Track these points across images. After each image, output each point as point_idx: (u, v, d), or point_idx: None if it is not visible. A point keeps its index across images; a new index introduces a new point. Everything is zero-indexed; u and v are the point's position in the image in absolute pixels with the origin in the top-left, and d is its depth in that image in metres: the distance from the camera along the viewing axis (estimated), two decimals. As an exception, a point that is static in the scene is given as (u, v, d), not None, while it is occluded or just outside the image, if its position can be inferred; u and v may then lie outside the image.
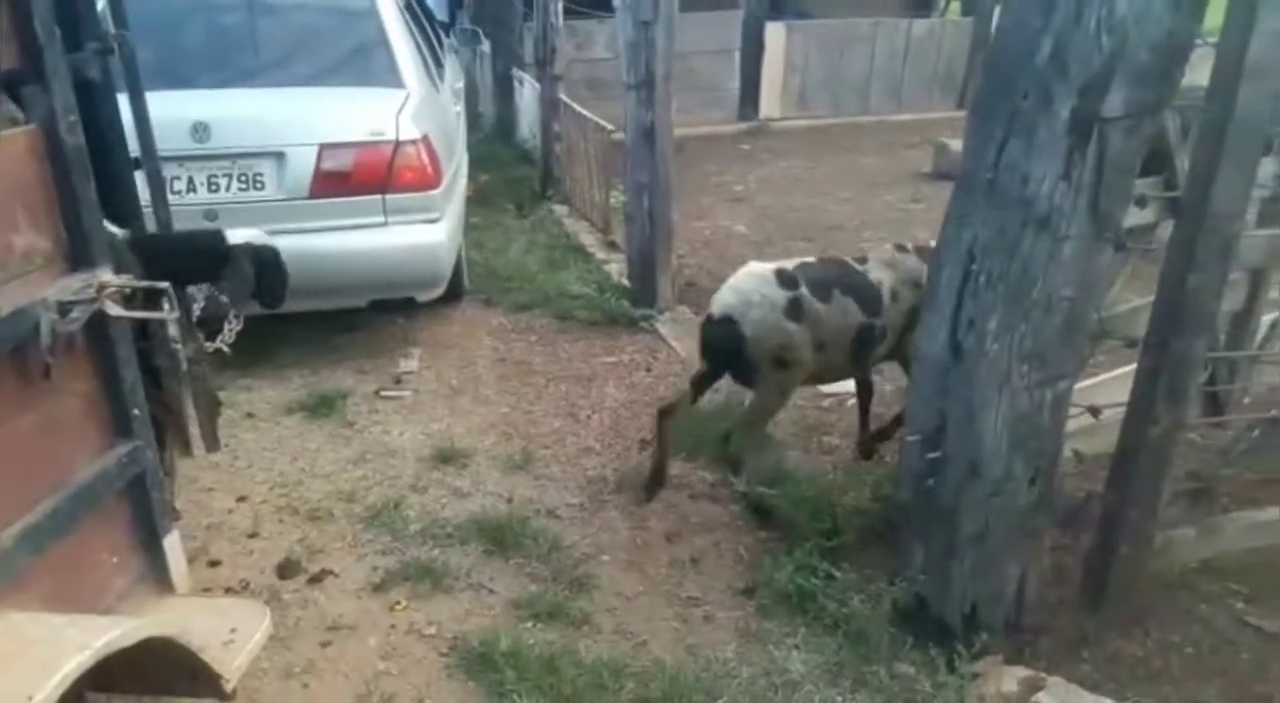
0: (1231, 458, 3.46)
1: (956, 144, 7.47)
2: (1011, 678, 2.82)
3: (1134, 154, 2.47)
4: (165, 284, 2.07)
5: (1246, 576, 3.35)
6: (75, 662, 1.52)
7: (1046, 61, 2.35)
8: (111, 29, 2.81)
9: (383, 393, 4.73)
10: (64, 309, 1.90)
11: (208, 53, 5.09)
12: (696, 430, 4.24)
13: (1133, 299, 3.55)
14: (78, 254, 1.99)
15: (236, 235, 2.91)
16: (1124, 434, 2.89)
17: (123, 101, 2.85)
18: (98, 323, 2.01)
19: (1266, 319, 3.99)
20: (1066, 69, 2.33)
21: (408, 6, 6.02)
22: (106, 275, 2.01)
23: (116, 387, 2.11)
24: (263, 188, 4.57)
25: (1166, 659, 3.03)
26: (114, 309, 2.01)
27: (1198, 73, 2.59)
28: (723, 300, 3.70)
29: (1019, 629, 3.00)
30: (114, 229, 2.52)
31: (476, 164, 7.93)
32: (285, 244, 3.07)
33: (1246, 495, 3.55)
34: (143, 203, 2.87)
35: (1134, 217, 3.30)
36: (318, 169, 4.57)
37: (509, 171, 8.73)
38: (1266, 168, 3.72)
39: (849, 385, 4.76)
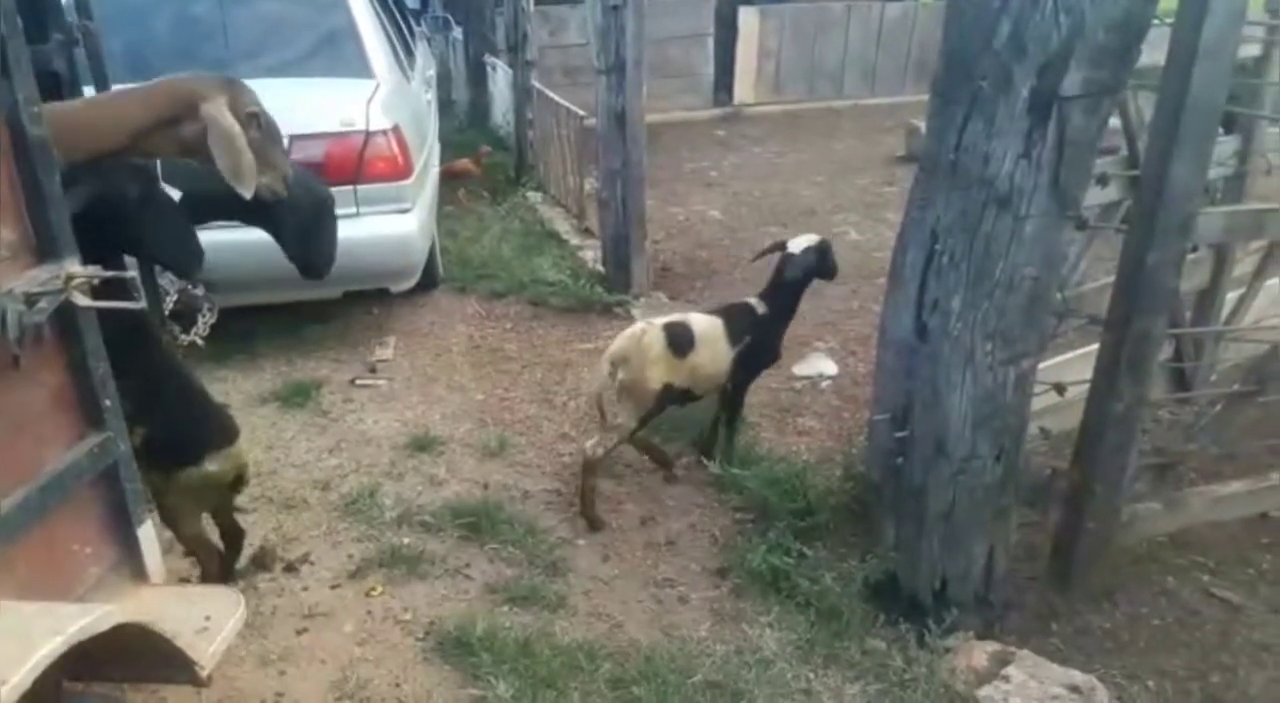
0: (1195, 433, 3.52)
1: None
2: (981, 652, 2.87)
3: (1094, 132, 2.51)
4: (132, 274, 2.08)
5: (1211, 548, 3.42)
6: (48, 648, 1.53)
7: (1005, 43, 2.37)
8: (76, 20, 2.79)
9: (357, 382, 4.73)
10: (31, 300, 1.90)
11: (176, 44, 5.05)
12: (671, 416, 4.27)
13: (1099, 277, 3.60)
14: (44, 246, 1.98)
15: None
16: (1088, 411, 2.94)
17: (89, 94, 2.84)
18: (66, 314, 2.01)
19: (1231, 296, 4.06)
20: (1025, 49, 2.36)
21: (377, -6, 5.99)
22: (74, 267, 2.01)
23: (86, 378, 2.11)
24: (234, 179, 4.54)
25: (1134, 631, 3.09)
26: (81, 300, 2.01)
27: (1158, 52, 2.63)
28: None
29: (989, 605, 3.05)
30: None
31: (450, 152, 7.89)
32: (256, 236, 3.06)
33: (1211, 470, 3.62)
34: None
35: (1097, 195, 3.36)
36: (289, 160, 4.54)
37: (474, 153, 8.68)
38: (1227, 146, 3.79)
39: (823, 367, 4.83)
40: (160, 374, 2.77)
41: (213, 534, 3.03)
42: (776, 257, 3.86)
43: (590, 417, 4.41)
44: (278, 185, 2.70)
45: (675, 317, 3.70)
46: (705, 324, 3.68)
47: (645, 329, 3.55)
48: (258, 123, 2.61)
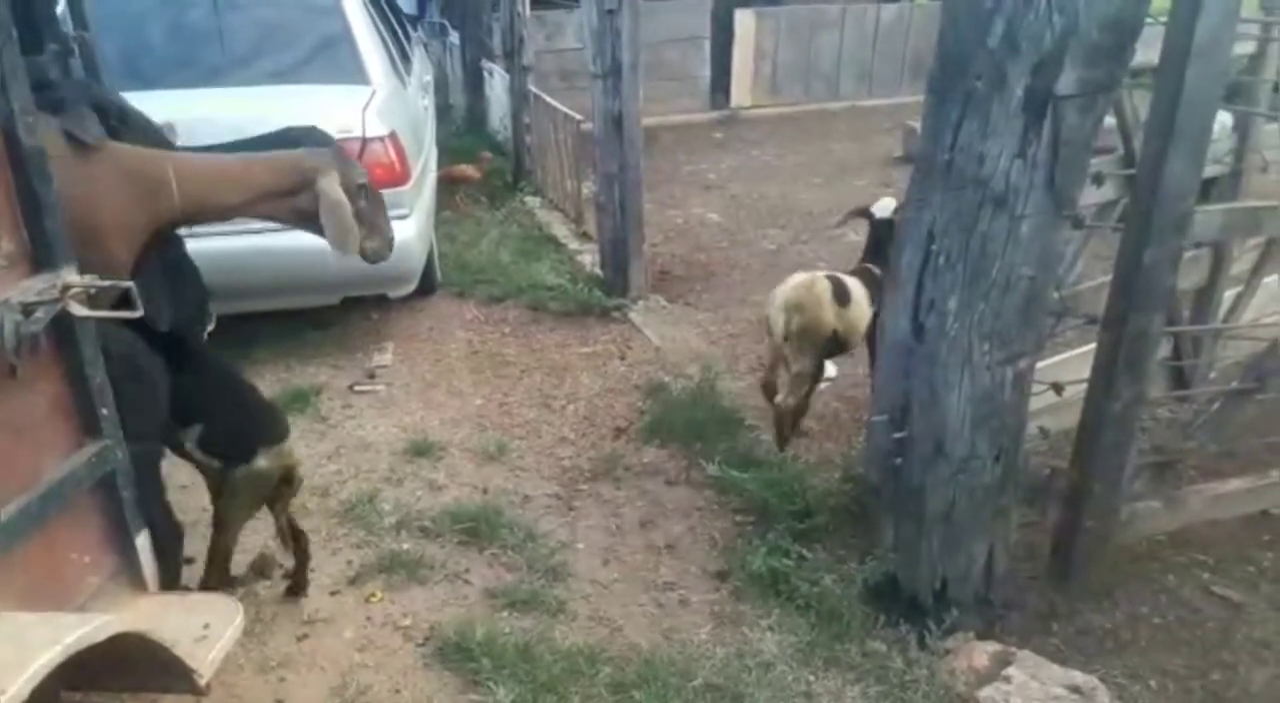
0: (1194, 431, 3.51)
1: (925, 128, 7.52)
2: (982, 653, 2.87)
3: (1089, 131, 2.51)
4: (129, 284, 2.08)
5: (1211, 546, 3.42)
6: (46, 658, 1.53)
7: (999, 42, 2.38)
8: (72, 30, 2.80)
9: (356, 388, 4.73)
10: (28, 310, 1.90)
11: (173, 52, 5.05)
12: (668, 418, 4.27)
13: (1096, 276, 3.60)
14: (40, 255, 1.98)
15: None
16: (1086, 410, 2.94)
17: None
18: (63, 323, 2.01)
19: (1229, 294, 4.06)
20: (1019, 49, 2.36)
21: (373, 1, 5.99)
22: (70, 276, 2.01)
23: (84, 386, 2.11)
24: (231, 186, 4.55)
25: (1134, 630, 3.09)
26: (78, 309, 2.01)
27: (1152, 51, 2.63)
28: None
29: (989, 605, 3.05)
30: None
31: (448, 157, 7.90)
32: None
33: (1210, 468, 3.61)
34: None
35: (1093, 194, 3.36)
36: (285, 167, 4.55)
37: (472, 161, 8.69)
38: (1223, 144, 3.79)
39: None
40: (212, 371, 2.88)
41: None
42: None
43: (590, 421, 4.42)
44: (384, 249, 3.02)
45: (825, 272, 3.95)
46: (852, 282, 3.92)
47: (814, 278, 3.83)
48: (365, 193, 2.89)
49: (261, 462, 2.81)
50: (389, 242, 2.96)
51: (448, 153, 8.04)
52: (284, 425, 2.93)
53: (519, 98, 8.48)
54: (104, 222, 2.45)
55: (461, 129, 10.61)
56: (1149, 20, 2.47)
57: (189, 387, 2.70)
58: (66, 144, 2.39)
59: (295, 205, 2.81)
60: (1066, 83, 2.38)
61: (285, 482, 2.93)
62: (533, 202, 8.03)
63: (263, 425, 2.87)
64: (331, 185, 2.77)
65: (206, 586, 2.96)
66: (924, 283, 2.71)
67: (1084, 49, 2.35)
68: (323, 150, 2.94)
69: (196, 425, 2.76)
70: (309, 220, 2.82)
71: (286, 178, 2.81)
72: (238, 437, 2.81)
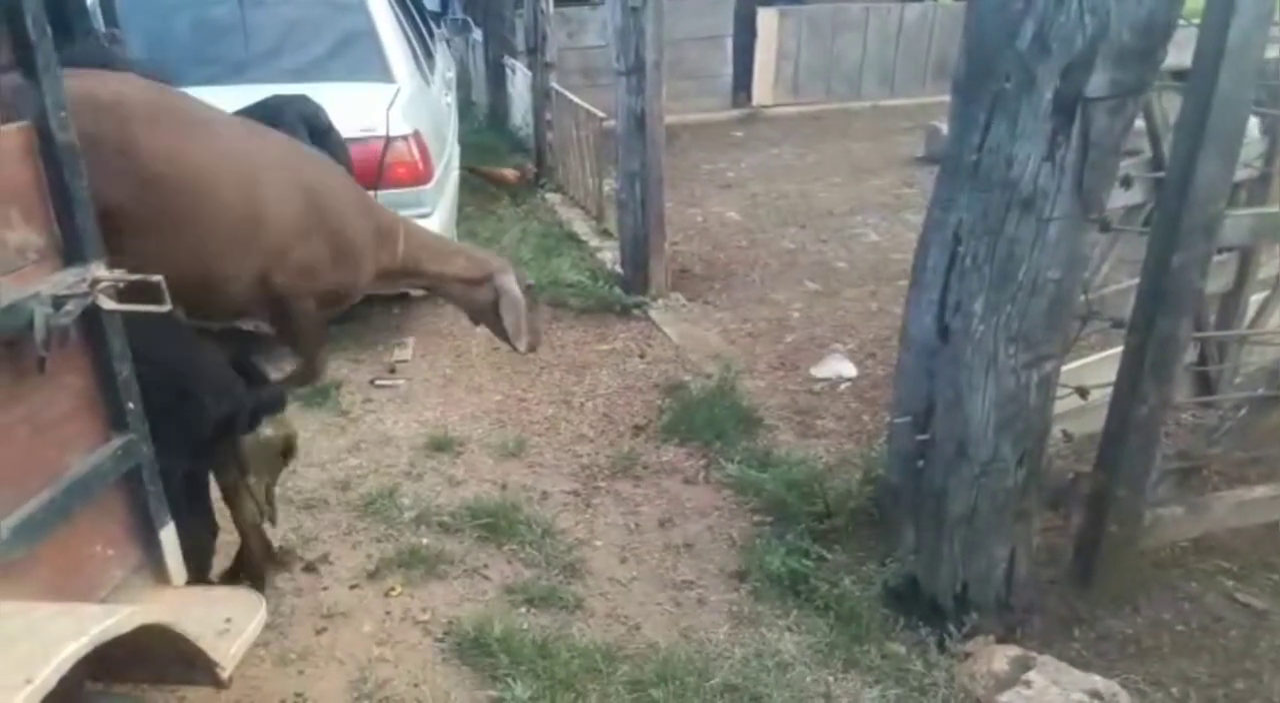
0: (1219, 437, 3.48)
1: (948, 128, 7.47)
2: (1002, 657, 2.85)
3: (1118, 134, 2.49)
4: (158, 278, 2.08)
5: (1235, 553, 3.38)
6: (72, 648, 1.54)
7: (1029, 43, 2.36)
8: (102, 27, 2.82)
9: (377, 382, 4.75)
10: (58, 303, 1.91)
11: (198, 49, 5.08)
12: (687, 416, 4.27)
13: (1122, 280, 3.58)
14: (71, 249, 2.00)
15: None
16: (1111, 414, 2.92)
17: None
18: (91, 317, 2.03)
19: (1255, 299, 4.02)
20: (1049, 50, 2.34)
21: (398, -2, 6.01)
22: (100, 270, 2.03)
23: (111, 380, 2.12)
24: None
25: (1157, 637, 3.06)
26: (107, 303, 2.02)
27: (1184, 53, 2.61)
28: None
29: (1010, 609, 3.03)
30: None
31: (469, 153, 7.92)
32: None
33: (1235, 474, 3.58)
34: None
35: (1120, 197, 3.33)
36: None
37: (502, 160, 8.71)
38: (1253, 148, 3.75)
39: (841, 370, 4.81)
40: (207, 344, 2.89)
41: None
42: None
43: (609, 418, 4.42)
44: (538, 343, 3.46)
45: None
46: None
47: None
48: (532, 295, 3.28)
49: (266, 430, 2.83)
50: (541, 337, 3.36)
51: (470, 150, 8.06)
52: (282, 396, 2.94)
53: (541, 95, 8.50)
54: (363, 250, 2.90)
55: (483, 126, 10.63)
56: (1181, 22, 2.44)
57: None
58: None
59: (478, 294, 3.24)
60: (1096, 85, 2.36)
61: (285, 452, 2.95)
62: (554, 198, 8.04)
63: (263, 395, 2.88)
64: (512, 283, 3.18)
65: (249, 557, 2.99)
66: (950, 284, 2.70)
67: (1115, 51, 2.33)
68: (498, 255, 3.48)
69: None
70: (484, 311, 3.26)
71: (478, 268, 3.24)
72: (240, 410, 2.78)
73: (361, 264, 2.93)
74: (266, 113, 3.03)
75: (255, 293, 2.81)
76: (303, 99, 3.15)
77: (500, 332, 3.25)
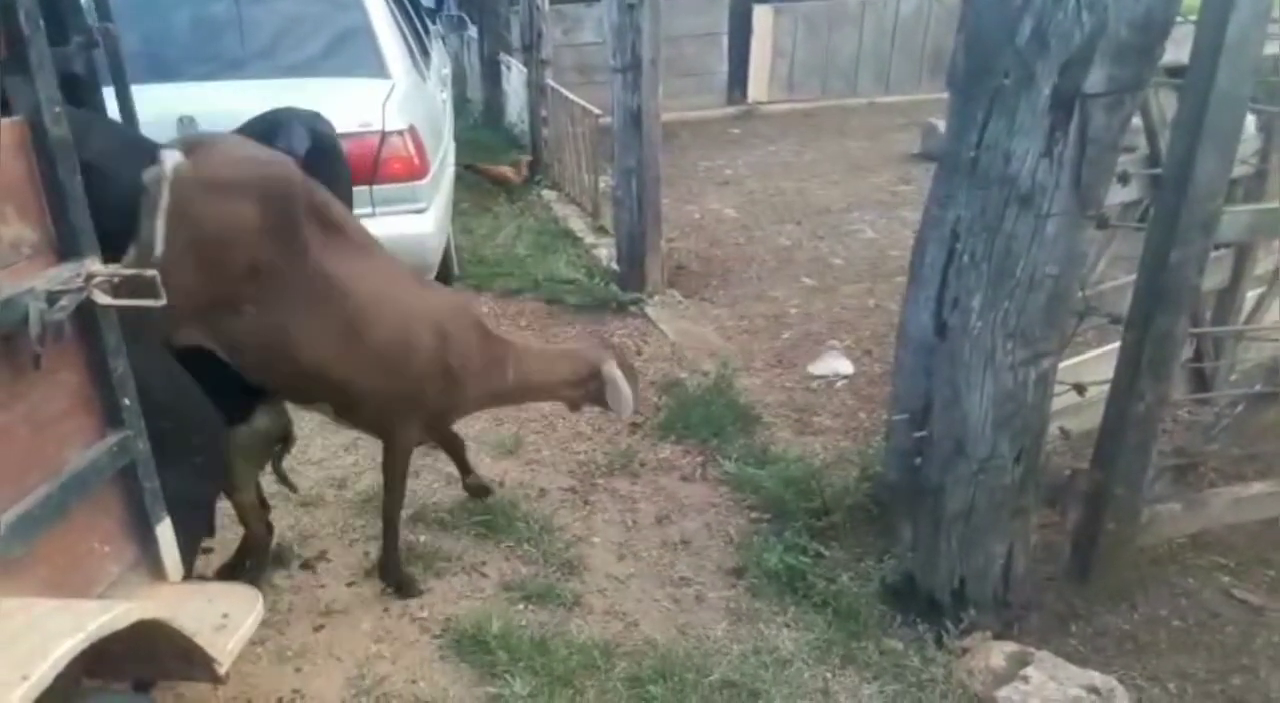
0: (1216, 433, 3.49)
1: (944, 125, 7.47)
2: (999, 653, 2.85)
3: (1116, 131, 2.48)
4: (153, 274, 2.08)
5: (1232, 549, 3.39)
6: (69, 644, 1.54)
7: (1027, 40, 2.35)
8: (96, 22, 2.80)
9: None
10: (52, 299, 1.90)
11: (193, 45, 5.06)
12: (684, 413, 4.27)
13: (1118, 277, 3.58)
14: (65, 245, 1.99)
15: None
16: (1109, 411, 2.92)
17: (108, 95, 2.85)
18: (86, 313, 2.02)
19: (1252, 296, 4.03)
20: (1047, 47, 2.34)
21: (393, -7, 5.99)
22: (95, 265, 2.02)
23: (106, 376, 2.11)
24: (250, 179, 4.55)
25: (1153, 633, 3.07)
26: (102, 299, 2.02)
27: (1181, 50, 2.61)
28: None
29: (1007, 605, 3.03)
30: None
31: (464, 150, 7.91)
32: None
33: (1232, 470, 3.59)
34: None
35: (1117, 194, 3.33)
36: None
37: (497, 157, 8.70)
38: (1249, 145, 3.75)
39: (838, 366, 4.82)
40: None
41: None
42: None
43: (606, 415, 4.41)
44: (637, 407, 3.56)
45: None
46: None
47: None
48: (633, 372, 3.42)
49: (263, 420, 2.87)
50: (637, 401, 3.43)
51: (465, 147, 8.05)
52: None
53: (537, 92, 8.49)
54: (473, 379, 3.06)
55: (478, 123, 10.62)
56: (1179, 19, 2.44)
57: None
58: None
59: (586, 391, 3.30)
60: (1095, 81, 2.35)
61: (283, 439, 3.01)
62: (550, 196, 8.03)
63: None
64: (614, 370, 3.26)
65: (247, 540, 3.05)
66: (948, 281, 2.70)
67: (1113, 48, 2.32)
68: (599, 345, 3.65)
69: None
70: (591, 401, 3.35)
71: (585, 366, 3.27)
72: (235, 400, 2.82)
73: (468, 392, 3.11)
74: (268, 127, 2.94)
75: (371, 404, 2.96)
76: (315, 117, 3.07)
77: (603, 404, 3.34)
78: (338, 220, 2.77)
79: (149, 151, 2.46)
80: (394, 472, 3.08)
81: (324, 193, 2.76)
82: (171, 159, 2.40)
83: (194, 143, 2.56)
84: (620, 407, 3.28)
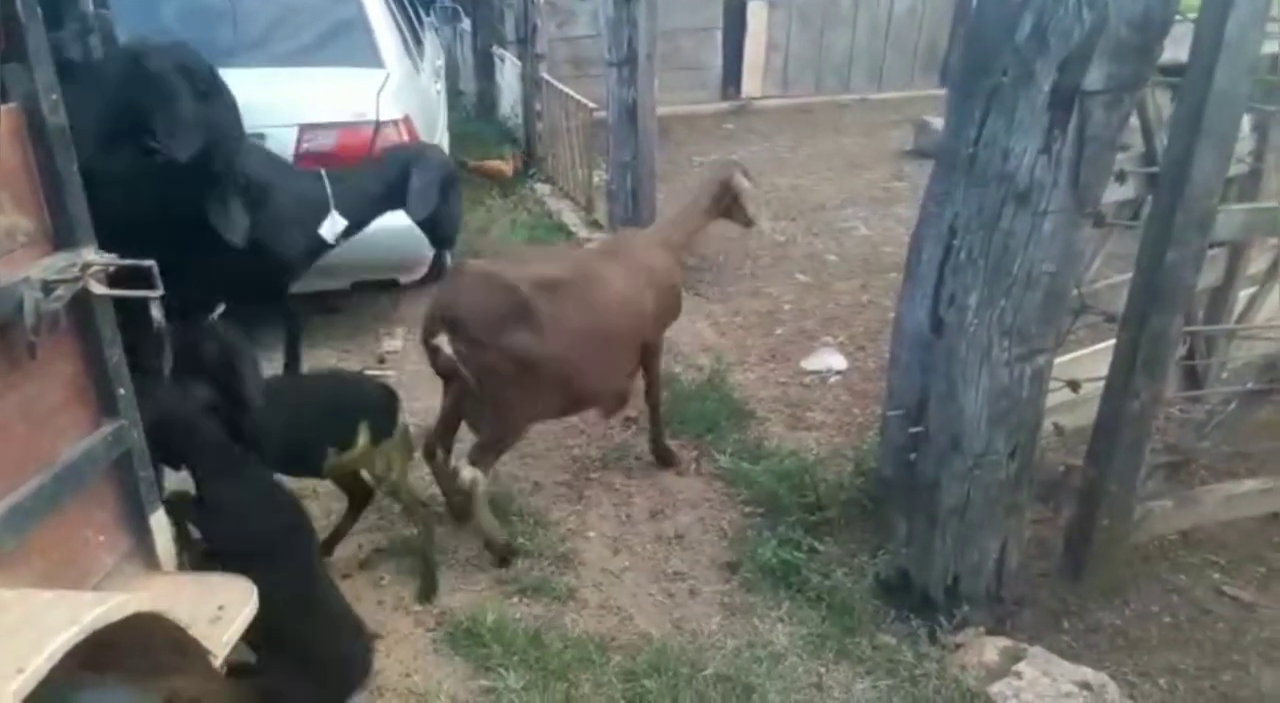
0: (1209, 431, 3.50)
1: (938, 122, 7.45)
2: (993, 648, 2.87)
3: (1115, 128, 2.49)
4: (150, 263, 2.07)
5: (1223, 547, 3.41)
6: (64, 637, 1.53)
7: (1027, 37, 2.36)
8: (91, 8, 2.79)
9: (366, 372, 4.72)
10: (48, 288, 1.89)
11: (188, 32, 5.01)
12: (678, 408, 4.26)
13: (1110, 275, 3.59)
14: (61, 233, 1.98)
15: None
16: (1103, 408, 2.93)
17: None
18: (82, 302, 2.01)
19: (1244, 294, 4.04)
20: (1047, 44, 2.34)
21: (387, -17, 5.96)
22: (90, 254, 2.00)
23: (101, 366, 2.10)
24: (243, 168, 4.54)
25: (1145, 629, 3.09)
26: (98, 288, 2.00)
27: (1178, 49, 2.61)
28: None
29: (1000, 601, 3.04)
30: None
31: (458, 143, 7.88)
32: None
33: (1223, 468, 3.60)
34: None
35: (1113, 192, 3.34)
36: (297, 150, 4.54)
37: (491, 150, 8.67)
38: (1243, 144, 3.77)
39: (832, 362, 4.82)
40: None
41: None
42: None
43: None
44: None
45: None
46: None
47: None
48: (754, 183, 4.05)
49: (403, 419, 3.18)
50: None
51: (458, 140, 8.02)
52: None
53: (531, 85, 8.45)
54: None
55: (471, 116, 10.58)
56: (1177, 17, 2.45)
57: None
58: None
59: (729, 204, 3.97)
60: (1094, 79, 2.36)
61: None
62: (543, 189, 8.01)
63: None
64: (742, 180, 3.88)
65: (424, 533, 3.23)
66: (944, 277, 2.70)
67: (1112, 45, 2.33)
68: (720, 165, 4.26)
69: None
70: (733, 209, 3.99)
71: (718, 188, 3.95)
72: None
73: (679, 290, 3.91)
74: (399, 162, 3.42)
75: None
76: (429, 147, 3.58)
77: (742, 220, 4.01)
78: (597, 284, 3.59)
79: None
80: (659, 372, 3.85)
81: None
82: None
83: None
84: (757, 213, 3.95)
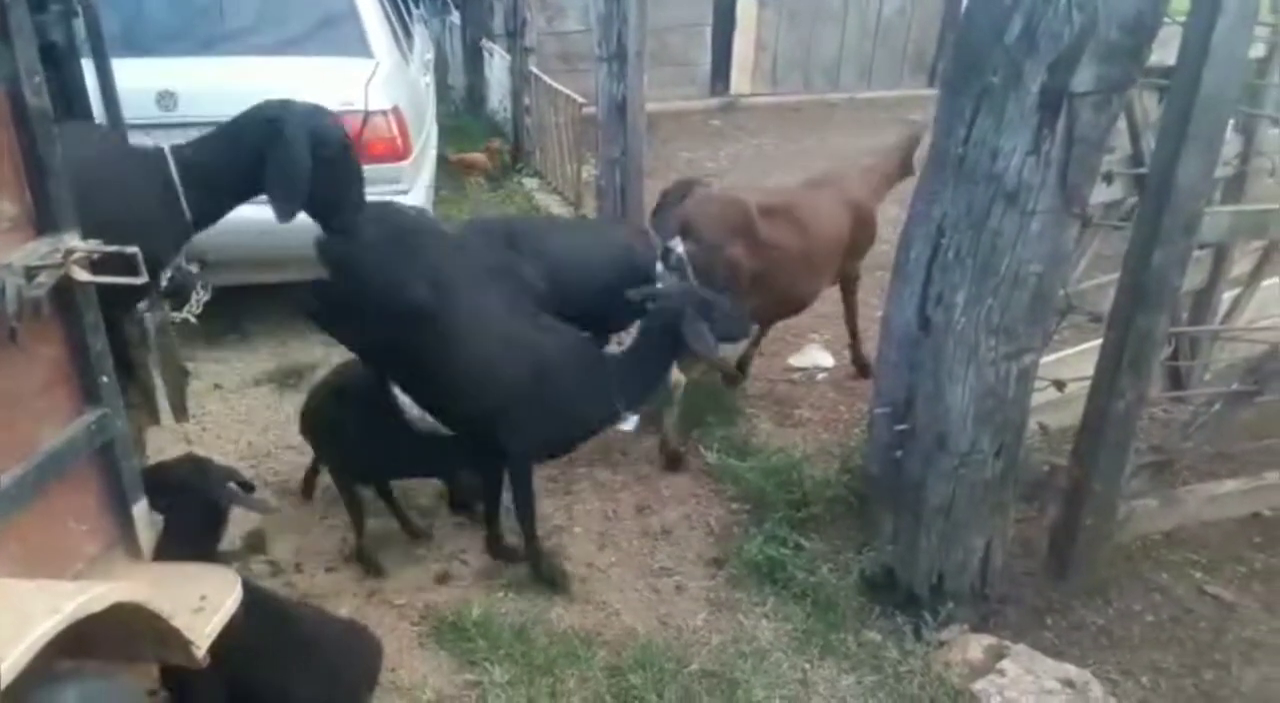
0: (1193, 431, 3.52)
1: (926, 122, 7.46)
2: (977, 646, 2.88)
3: (1103, 130, 2.50)
4: (134, 249, 2.04)
5: (1205, 546, 3.44)
6: (45, 627, 1.51)
7: (1016, 38, 2.36)
8: (76, -5, 2.75)
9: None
10: (30, 274, 1.87)
11: (176, 20, 4.99)
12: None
13: (1096, 275, 3.60)
14: (44, 219, 1.95)
15: None
16: (1089, 408, 2.93)
17: (87, 67, 2.81)
18: (65, 289, 1.98)
19: (1228, 296, 4.06)
20: (1036, 45, 2.35)
21: (377, -25, 5.93)
22: (73, 240, 1.98)
23: (84, 353, 2.08)
24: (230, 157, 4.49)
25: (1128, 628, 3.10)
26: (81, 274, 1.98)
27: (1167, 51, 2.62)
28: None
29: (985, 599, 3.06)
30: None
31: (446, 137, 7.85)
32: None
33: (1206, 469, 3.62)
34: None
35: (1099, 193, 3.35)
36: (285, 139, 4.50)
37: (479, 144, 8.64)
38: (1230, 147, 3.78)
39: (819, 360, 4.82)
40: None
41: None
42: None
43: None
44: None
45: None
46: None
47: None
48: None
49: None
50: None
51: (446, 133, 7.99)
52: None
53: (520, 79, 8.43)
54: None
55: (460, 109, 10.54)
56: (1166, 20, 2.46)
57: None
58: None
59: (910, 161, 4.50)
60: (1082, 80, 2.37)
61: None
62: (531, 183, 7.99)
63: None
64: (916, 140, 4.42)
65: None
66: (932, 276, 2.71)
67: (1101, 47, 2.34)
68: (903, 131, 4.98)
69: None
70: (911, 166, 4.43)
71: (910, 145, 4.52)
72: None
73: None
74: (260, 125, 2.72)
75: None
76: (315, 112, 2.82)
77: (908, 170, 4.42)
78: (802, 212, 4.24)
79: None
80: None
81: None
82: None
83: None
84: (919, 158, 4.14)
